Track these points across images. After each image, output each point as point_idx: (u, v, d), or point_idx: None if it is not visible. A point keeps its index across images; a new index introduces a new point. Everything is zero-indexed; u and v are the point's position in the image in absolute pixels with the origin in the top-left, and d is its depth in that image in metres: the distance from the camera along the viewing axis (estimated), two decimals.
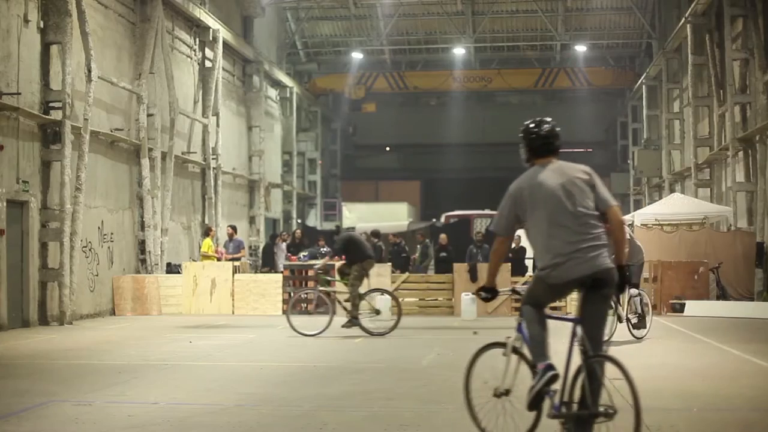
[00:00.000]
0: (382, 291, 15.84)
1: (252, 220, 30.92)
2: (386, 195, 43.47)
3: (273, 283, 20.28)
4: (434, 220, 35.56)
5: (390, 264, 21.10)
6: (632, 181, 38.73)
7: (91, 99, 17.92)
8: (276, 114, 35.02)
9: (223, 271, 20.35)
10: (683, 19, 26.84)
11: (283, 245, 23.93)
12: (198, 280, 20.07)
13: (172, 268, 21.93)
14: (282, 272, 21.04)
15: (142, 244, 21.21)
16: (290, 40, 37.67)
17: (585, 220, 5.63)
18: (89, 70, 17.85)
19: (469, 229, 29.70)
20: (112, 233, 19.89)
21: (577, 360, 5.61)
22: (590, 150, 46.10)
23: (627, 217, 26.02)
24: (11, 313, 15.88)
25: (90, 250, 18.80)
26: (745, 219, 22.94)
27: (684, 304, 19.06)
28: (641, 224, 22.27)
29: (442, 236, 24.15)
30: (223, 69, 27.07)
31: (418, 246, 25.04)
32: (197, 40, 25.74)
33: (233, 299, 20.05)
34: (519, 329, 5.92)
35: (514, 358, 5.92)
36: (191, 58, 25.41)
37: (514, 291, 6.36)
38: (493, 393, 5.98)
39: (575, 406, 5.52)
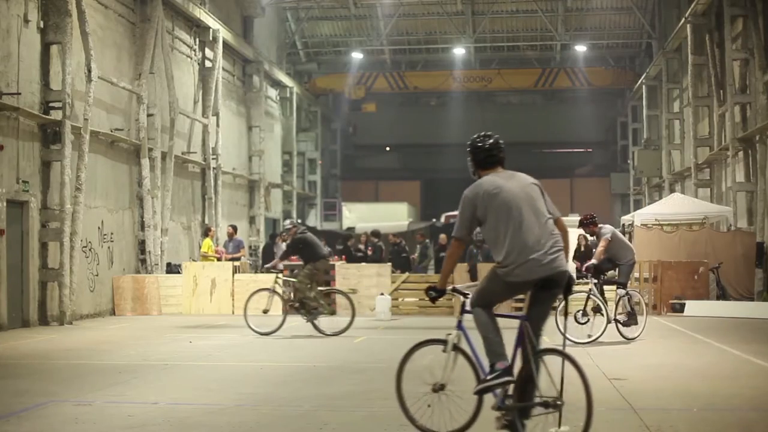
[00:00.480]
0: (339, 291, 15.69)
1: (252, 220, 30.93)
2: (386, 195, 43.47)
3: (273, 283, 20.21)
4: (434, 220, 35.57)
5: (390, 264, 21.10)
6: (632, 181, 38.73)
7: (91, 99, 17.92)
8: (276, 114, 35.02)
9: (223, 271, 20.34)
10: (683, 19, 26.85)
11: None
12: (198, 280, 20.07)
13: (172, 268, 21.93)
14: (282, 272, 20.98)
15: (142, 244, 21.21)
16: (290, 40, 37.67)
17: (546, 222, 5.94)
18: (89, 70, 17.85)
19: None
20: (112, 233, 19.89)
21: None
22: (590, 150, 46.15)
23: (627, 217, 26.07)
24: (11, 313, 15.88)
25: (90, 250, 18.80)
26: (745, 219, 22.94)
27: (684, 304, 19.06)
28: (641, 224, 22.26)
29: (442, 236, 24.14)
30: (223, 69, 27.08)
31: (418, 246, 25.04)
32: (197, 40, 25.74)
33: (233, 299, 20.04)
34: (459, 326, 6.23)
35: (452, 354, 6.20)
36: (191, 58, 25.42)
37: (454, 290, 6.36)
38: (431, 388, 6.21)
39: (518, 399, 5.82)
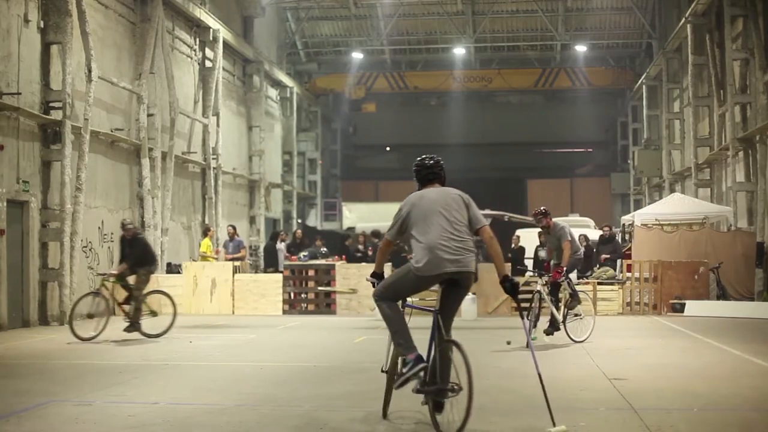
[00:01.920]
0: (160, 292, 15.08)
1: (252, 220, 30.94)
2: (386, 195, 43.41)
3: (273, 283, 20.28)
4: None
5: (390, 264, 21.08)
6: (632, 181, 38.74)
7: (91, 99, 17.92)
8: (276, 114, 35.02)
9: (223, 271, 20.34)
10: (683, 19, 26.85)
11: (283, 245, 23.93)
12: (198, 280, 20.07)
13: (172, 268, 21.93)
14: (282, 272, 21.02)
15: None
16: (290, 40, 37.67)
17: (458, 227, 6.72)
18: (89, 70, 17.86)
19: None
20: (112, 233, 19.87)
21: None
22: (590, 150, 46.13)
23: (627, 217, 26.08)
24: (11, 313, 15.89)
25: (90, 250, 18.81)
26: (745, 219, 22.94)
27: (684, 304, 19.06)
28: (641, 224, 22.26)
29: None
30: (224, 69, 27.08)
31: None
32: (197, 40, 25.74)
33: (233, 299, 20.04)
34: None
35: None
36: (191, 58, 25.42)
37: (368, 279, 7.18)
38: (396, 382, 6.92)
39: (433, 383, 6.54)
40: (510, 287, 6.70)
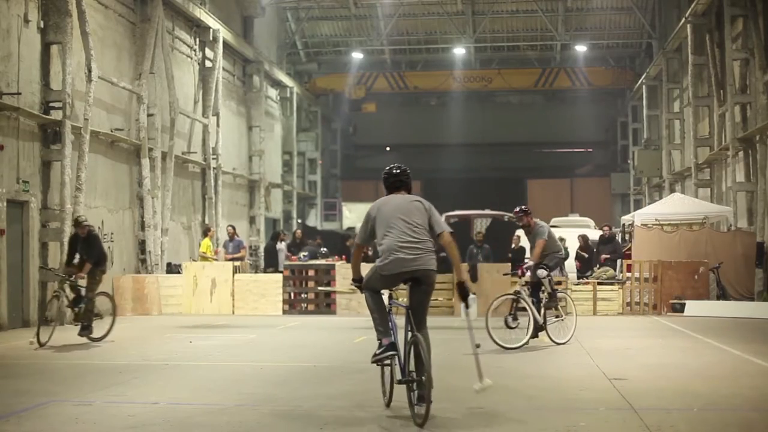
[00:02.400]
0: (103, 294, 14.37)
1: (252, 220, 30.93)
2: None
3: (273, 283, 20.28)
4: None
5: None
6: (632, 181, 38.73)
7: (91, 99, 17.92)
8: (276, 114, 35.02)
9: (223, 271, 20.34)
10: (683, 19, 26.85)
11: (283, 245, 23.93)
12: (198, 280, 20.07)
13: (173, 268, 21.93)
14: (282, 272, 21.03)
15: (142, 244, 21.20)
16: (290, 40, 37.67)
17: (417, 230, 7.29)
18: (89, 70, 17.86)
19: (469, 229, 29.69)
20: (112, 233, 19.88)
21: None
22: (590, 150, 46.12)
23: (627, 217, 26.08)
24: (11, 313, 15.88)
25: None
26: (745, 219, 22.94)
27: (684, 304, 19.06)
28: (641, 224, 22.26)
29: None
30: (224, 69, 27.08)
31: None
32: (197, 40, 25.75)
33: (233, 299, 20.05)
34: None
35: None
36: (191, 58, 25.42)
37: (351, 284, 7.86)
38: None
39: (411, 374, 7.14)
40: (462, 292, 7.24)
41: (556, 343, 12.70)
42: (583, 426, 7.05)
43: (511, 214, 29.40)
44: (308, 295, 20.12)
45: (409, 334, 7.23)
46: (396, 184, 7.65)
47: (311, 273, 20.36)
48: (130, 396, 8.58)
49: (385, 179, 7.72)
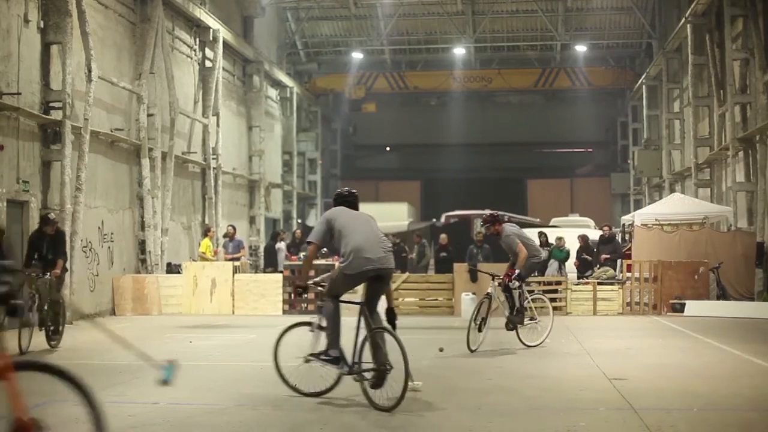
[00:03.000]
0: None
1: (252, 220, 30.93)
2: (386, 195, 43.43)
3: (273, 283, 20.28)
4: (434, 220, 35.56)
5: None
6: (632, 181, 38.74)
7: (91, 99, 17.92)
8: (276, 114, 35.02)
9: (223, 271, 20.34)
10: (683, 19, 26.85)
11: (282, 244, 23.92)
12: (198, 280, 20.07)
13: (173, 268, 21.92)
14: (282, 272, 21.02)
15: (142, 244, 21.20)
16: (290, 40, 37.67)
17: (380, 236, 8.19)
18: (89, 70, 17.86)
19: (469, 229, 29.71)
20: (112, 233, 19.89)
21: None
22: (590, 150, 46.14)
23: (627, 217, 26.08)
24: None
25: (90, 250, 18.80)
26: (745, 219, 22.94)
27: (684, 304, 19.06)
28: (641, 224, 22.26)
29: (443, 236, 24.16)
30: (223, 69, 27.08)
31: (415, 246, 25.06)
32: (197, 40, 25.74)
33: (233, 299, 20.04)
34: (321, 311, 8.47)
35: (317, 332, 8.39)
36: (191, 58, 25.42)
37: (315, 283, 8.26)
38: (303, 360, 8.35)
39: (364, 365, 7.83)
40: (390, 318, 8.01)
41: (526, 345, 12.34)
42: (583, 426, 7.05)
43: (511, 215, 29.55)
44: (308, 295, 20.08)
45: (362, 330, 8.00)
46: (344, 203, 8.49)
47: (311, 273, 20.30)
48: (131, 396, 8.57)
49: (335, 199, 8.64)
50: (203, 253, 21.64)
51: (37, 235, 13.23)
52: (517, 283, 12.37)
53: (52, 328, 12.59)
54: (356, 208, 8.47)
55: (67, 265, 14.64)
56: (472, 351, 11.87)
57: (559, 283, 20.25)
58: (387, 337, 7.87)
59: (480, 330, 12.09)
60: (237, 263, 21.25)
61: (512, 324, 12.46)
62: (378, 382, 7.73)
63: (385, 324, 7.91)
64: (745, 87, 23.23)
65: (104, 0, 19.71)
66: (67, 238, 17.12)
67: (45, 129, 17.08)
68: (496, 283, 12.53)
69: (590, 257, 21.80)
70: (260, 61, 31.07)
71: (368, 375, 7.81)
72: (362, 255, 7.91)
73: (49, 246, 12.95)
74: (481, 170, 44.16)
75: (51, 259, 12.89)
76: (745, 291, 20.31)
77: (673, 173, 31.53)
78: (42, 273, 12.66)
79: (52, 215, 13.79)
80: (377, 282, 8.06)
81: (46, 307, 12.44)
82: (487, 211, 30.98)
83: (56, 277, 12.87)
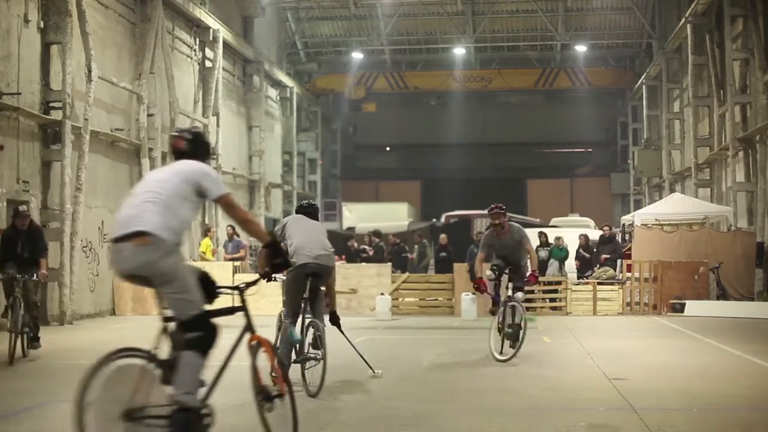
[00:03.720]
0: None
1: None
2: (386, 195, 43.44)
3: (273, 283, 20.21)
4: (434, 220, 35.54)
5: (390, 264, 21.11)
6: (632, 181, 38.74)
7: (91, 99, 17.92)
8: (276, 114, 35.02)
9: (223, 271, 20.31)
10: (683, 19, 26.86)
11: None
12: None
13: None
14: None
15: None
16: (290, 40, 37.68)
17: (322, 239, 8.97)
18: (89, 70, 17.86)
19: (469, 229, 29.68)
20: None
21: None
22: (590, 150, 46.14)
23: (627, 217, 26.08)
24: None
25: (90, 250, 18.80)
26: (745, 219, 22.95)
27: (684, 304, 19.07)
28: (641, 224, 22.26)
29: (443, 236, 24.15)
30: (223, 69, 27.08)
31: (416, 246, 25.07)
32: (197, 40, 25.74)
33: (233, 299, 19.98)
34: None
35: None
36: (191, 58, 25.42)
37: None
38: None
39: (305, 354, 8.66)
40: (333, 321, 9.13)
41: (496, 359, 10.86)
42: (583, 426, 7.05)
43: (511, 215, 29.49)
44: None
45: (308, 319, 8.77)
46: (304, 213, 9.25)
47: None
48: None
49: (297, 210, 9.49)
50: (203, 253, 21.63)
51: (10, 232, 11.79)
52: (521, 295, 11.29)
53: (31, 334, 11.44)
54: (315, 218, 9.26)
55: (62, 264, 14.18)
56: (499, 360, 10.80)
57: (559, 283, 20.25)
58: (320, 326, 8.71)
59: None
60: (237, 263, 21.23)
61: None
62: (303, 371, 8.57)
63: (314, 318, 8.77)
64: (745, 87, 23.24)
65: (104, 0, 19.71)
66: (67, 237, 17.20)
67: (45, 129, 17.08)
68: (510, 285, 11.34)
69: (589, 255, 21.78)
70: (260, 61, 31.08)
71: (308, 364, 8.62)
72: (301, 253, 8.69)
73: (24, 243, 11.54)
74: (481, 170, 44.16)
75: (27, 257, 11.52)
76: (745, 291, 20.31)
77: (673, 173, 31.53)
78: (19, 274, 11.28)
79: (23, 207, 12.15)
80: (315, 279, 8.81)
81: (22, 312, 11.12)
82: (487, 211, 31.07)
83: (44, 279, 11.89)
